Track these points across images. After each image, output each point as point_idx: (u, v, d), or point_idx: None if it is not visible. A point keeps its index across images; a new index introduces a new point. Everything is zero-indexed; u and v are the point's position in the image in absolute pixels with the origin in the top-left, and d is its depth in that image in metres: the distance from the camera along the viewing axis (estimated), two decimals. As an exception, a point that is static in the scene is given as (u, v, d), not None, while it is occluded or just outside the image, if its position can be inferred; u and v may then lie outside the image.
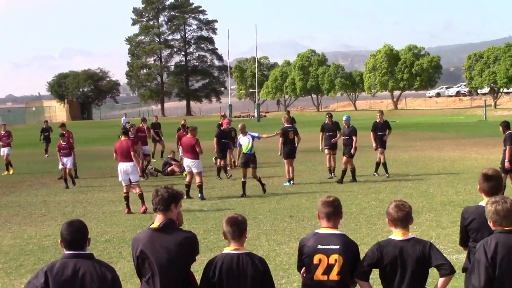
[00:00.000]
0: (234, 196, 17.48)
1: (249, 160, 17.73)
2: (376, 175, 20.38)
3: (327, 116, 21.07)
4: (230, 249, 5.25)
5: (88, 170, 24.99)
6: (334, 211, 5.59)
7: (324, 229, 5.56)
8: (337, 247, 5.41)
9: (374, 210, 14.39)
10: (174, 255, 5.29)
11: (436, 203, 15.11)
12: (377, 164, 20.54)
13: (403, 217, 5.39)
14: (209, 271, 5.22)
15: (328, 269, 5.42)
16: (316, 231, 5.64)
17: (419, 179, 19.32)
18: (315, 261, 5.44)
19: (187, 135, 18.01)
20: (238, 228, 5.26)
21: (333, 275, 5.39)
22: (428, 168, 21.95)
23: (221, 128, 22.74)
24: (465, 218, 5.91)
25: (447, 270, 5.26)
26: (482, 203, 5.71)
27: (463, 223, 5.91)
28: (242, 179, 17.60)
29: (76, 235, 4.80)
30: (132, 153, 15.83)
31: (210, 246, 11.43)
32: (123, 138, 16.20)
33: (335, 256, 5.38)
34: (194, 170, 17.04)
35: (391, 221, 5.46)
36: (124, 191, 15.73)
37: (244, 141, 17.95)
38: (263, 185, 17.69)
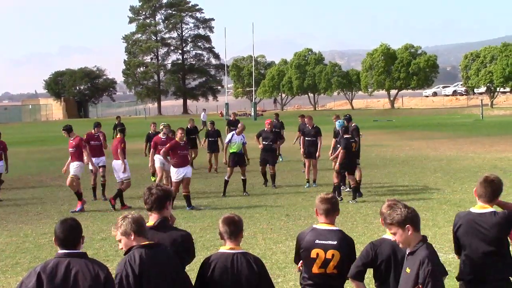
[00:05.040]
0: (230, 195, 17.48)
1: (240, 159, 17.54)
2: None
3: (345, 118, 17.80)
4: (225, 248, 5.25)
5: (85, 168, 24.89)
6: (332, 207, 5.70)
7: (322, 225, 5.65)
8: (335, 242, 5.52)
9: (370, 209, 14.39)
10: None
11: (433, 202, 15.12)
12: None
13: None
14: (203, 270, 5.23)
15: (325, 263, 5.54)
16: (314, 226, 5.73)
17: (416, 178, 19.32)
18: (313, 255, 5.55)
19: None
20: (234, 228, 5.26)
21: (330, 269, 5.54)
22: (425, 167, 21.97)
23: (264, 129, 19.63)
24: (454, 224, 5.81)
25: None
26: (473, 209, 5.70)
27: (453, 230, 5.82)
28: (226, 178, 17.43)
29: (69, 233, 4.79)
30: (119, 150, 16.07)
31: (206, 244, 11.42)
32: (118, 136, 16.81)
33: (332, 251, 5.51)
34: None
35: (384, 221, 5.47)
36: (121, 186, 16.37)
37: (237, 141, 17.61)
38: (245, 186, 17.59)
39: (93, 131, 18.03)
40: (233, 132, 18.11)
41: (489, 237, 5.51)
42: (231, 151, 17.61)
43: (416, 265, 4.83)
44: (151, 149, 17.19)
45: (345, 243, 5.63)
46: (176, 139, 15.79)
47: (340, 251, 5.52)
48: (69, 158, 16.08)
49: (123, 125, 32.23)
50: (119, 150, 16.12)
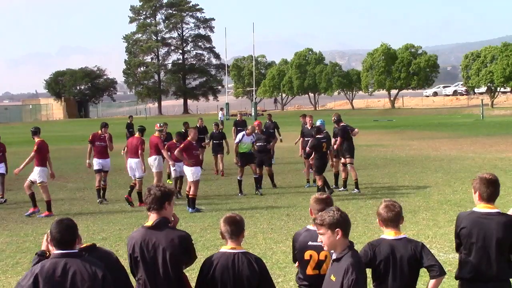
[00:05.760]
0: (231, 195, 17.49)
1: (250, 158, 17.68)
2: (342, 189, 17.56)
3: (334, 121, 17.77)
4: (226, 248, 5.24)
5: (85, 167, 24.89)
6: (326, 207, 5.66)
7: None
8: None
9: (371, 209, 14.36)
10: (166, 253, 5.29)
11: (433, 202, 15.12)
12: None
13: (394, 217, 5.42)
14: (204, 270, 5.23)
15: (319, 265, 5.55)
16: (308, 227, 5.73)
17: (416, 178, 19.31)
18: (306, 256, 5.56)
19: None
20: (236, 227, 5.25)
21: (324, 270, 5.52)
22: (425, 167, 21.96)
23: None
24: (457, 225, 5.77)
25: (437, 271, 5.29)
26: (476, 209, 5.69)
27: (456, 230, 5.78)
28: (239, 178, 17.58)
29: (66, 233, 4.78)
30: (139, 151, 16.30)
31: (207, 244, 11.42)
32: (136, 135, 16.99)
33: (326, 252, 5.49)
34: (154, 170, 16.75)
35: (381, 221, 5.49)
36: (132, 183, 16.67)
37: (247, 141, 17.72)
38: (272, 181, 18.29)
39: (99, 131, 17.62)
40: (243, 132, 18.11)
41: (495, 237, 5.50)
42: (241, 151, 17.70)
43: (341, 273, 4.79)
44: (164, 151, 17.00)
45: None
46: (189, 138, 15.71)
47: None
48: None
49: (132, 125, 32.03)
50: (140, 151, 16.29)
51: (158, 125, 17.76)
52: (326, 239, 4.92)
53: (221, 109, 56.60)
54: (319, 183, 16.16)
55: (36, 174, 15.28)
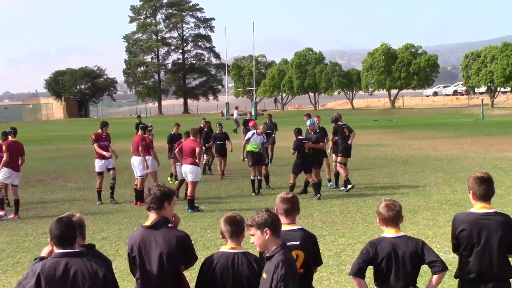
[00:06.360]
0: (231, 195, 17.49)
1: (259, 158, 17.65)
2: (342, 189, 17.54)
3: (331, 121, 18.24)
4: (226, 247, 5.24)
5: (86, 167, 24.94)
6: (292, 207, 5.72)
7: (283, 226, 5.56)
8: (297, 243, 5.53)
9: (371, 209, 14.35)
10: (163, 253, 5.28)
11: (433, 202, 15.12)
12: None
13: (394, 217, 5.44)
14: (204, 269, 5.23)
15: None
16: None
17: (416, 178, 19.32)
18: None
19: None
20: (236, 227, 5.25)
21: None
22: (425, 167, 21.97)
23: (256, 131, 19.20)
24: (455, 226, 5.72)
25: (439, 267, 5.31)
26: (474, 210, 5.68)
27: (454, 232, 5.73)
28: (252, 177, 17.51)
29: (66, 231, 4.78)
30: (140, 148, 16.47)
31: (207, 244, 11.42)
32: (139, 133, 17.35)
33: (296, 251, 5.50)
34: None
35: (382, 220, 5.51)
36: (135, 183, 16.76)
37: (257, 141, 17.69)
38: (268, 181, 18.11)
39: (100, 130, 17.10)
40: (254, 131, 18.00)
41: (495, 237, 5.50)
42: (249, 149, 17.69)
43: (272, 270, 4.87)
44: (173, 151, 17.33)
45: (308, 241, 5.61)
46: (193, 138, 15.73)
47: (304, 251, 5.50)
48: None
49: (141, 123, 31.95)
50: (140, 148, 16.42)
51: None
52: (257, 239, 5.07)
53: (236, 107, 55.96)
54: (291, 181, 16.66)
55: (1, 173, 15.29)
